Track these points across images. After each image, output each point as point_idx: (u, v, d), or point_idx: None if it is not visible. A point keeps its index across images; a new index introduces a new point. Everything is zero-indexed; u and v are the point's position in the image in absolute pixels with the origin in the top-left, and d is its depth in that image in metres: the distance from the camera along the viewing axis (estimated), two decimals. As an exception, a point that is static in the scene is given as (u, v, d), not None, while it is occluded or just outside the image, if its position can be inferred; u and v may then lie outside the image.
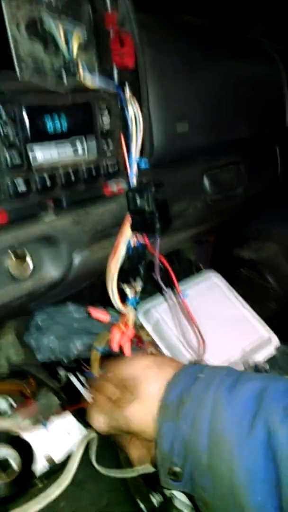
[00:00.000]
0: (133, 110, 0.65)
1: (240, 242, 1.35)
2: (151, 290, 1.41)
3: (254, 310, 1.25)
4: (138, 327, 1.20)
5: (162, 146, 0.71)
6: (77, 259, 0.66)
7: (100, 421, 0.61)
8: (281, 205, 1.13)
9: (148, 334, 1.18)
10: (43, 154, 0.55)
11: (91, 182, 0.61)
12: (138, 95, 0.66)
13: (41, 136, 0.54)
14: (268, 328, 1.22)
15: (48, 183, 0.55)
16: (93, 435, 0.76)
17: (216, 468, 0.46)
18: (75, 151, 0.58)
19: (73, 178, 0.58)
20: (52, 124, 0.55)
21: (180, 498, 0.72)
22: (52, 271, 0.63)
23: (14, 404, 0.89)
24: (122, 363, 0.64)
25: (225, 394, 0.48)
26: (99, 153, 0.61)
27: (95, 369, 0.81)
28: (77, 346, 1.04)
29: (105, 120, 0.61)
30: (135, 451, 0.63)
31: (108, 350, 0.92)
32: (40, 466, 0.78)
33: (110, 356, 0.97)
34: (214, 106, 0.83)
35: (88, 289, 0.89)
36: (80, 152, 0.59)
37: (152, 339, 1.16)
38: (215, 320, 1.18)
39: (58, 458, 0.79)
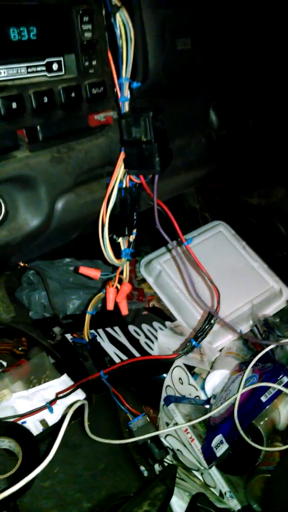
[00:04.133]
0: (121, 18, 0.53)
1: (248, 188, 1.24)
2: (155, 242, 1.33)
3: (264, 260, 1.17)
4: (139, 280, 1.13)
5: (159, 66, 0.59)
6: (60, 204, 0.57)
7: None
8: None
9: (150, 287, 1.10)
10: (6, 69, 0.44)
11: (71, 107, 0.51)
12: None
13: (2, 45, 0.43)
14: (278, 279, 1.14)
15: (15, 105, 0.44)
16: (82, 397, 0.70)
17: None
18: (49, 67, 0.47)
19: (46, 101, 0.47)
20: (16, 30, 0.44)
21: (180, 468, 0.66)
22: (30, 218, 0.54)
23: (5, 364, 0.83)
24: None
25: None
26: (79, 70, 0.50)
27: (86, 333, 0.74)
28: (73, 301, 0.97)
29: (86, 29, 0.49)
30: None
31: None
32: (34, 429, 0.73)
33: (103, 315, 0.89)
34: (222, 22, 0.70)
35: (82, 241, 0.80)
36: (55, 68, 0.48)
37: (154, 292, 1.09)
38: (222, 272, 1.10)
39: (52, 421, 0.74)
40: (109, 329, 0.93)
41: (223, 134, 0.77)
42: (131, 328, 0.98)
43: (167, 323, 1.03)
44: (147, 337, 0.97)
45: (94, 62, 0.51)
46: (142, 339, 0.96)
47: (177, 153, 0.70)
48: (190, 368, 0.91)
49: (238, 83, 0.79)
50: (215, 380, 0.89)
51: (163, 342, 0.96)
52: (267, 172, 1.20)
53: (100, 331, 0.91)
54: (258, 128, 0.84)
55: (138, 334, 0.97)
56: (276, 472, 0.63)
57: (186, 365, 0.90)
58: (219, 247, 1.17)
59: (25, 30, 0.44)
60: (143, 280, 1.12)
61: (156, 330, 1.00)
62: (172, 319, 1.04)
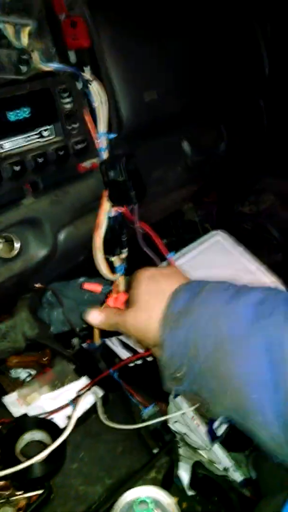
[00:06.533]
0: (95, 87, 0.68)
1: (240, 198, 1.37)
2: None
3: (261, 263, 1.27)
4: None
5: (131, 117, 0.74)
6: (62, 236, 0.71)
7: (95, 317, 0.62)
8: (269, 156, 1.13)
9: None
10: (9, 142, 0.59)
11: (62, 162, 0.65)
12: (98, 72, 0.69)
13: (4, 126, 0.58)
14: (275, 279, 1.24)
15: (18, 169, 0.59)
16: (100, 394, 0.83)
17: (215, 370, 0.48)
18: (40, 135, 0.62)
19: (41, 161, 0.62)
20: (14, 113, 0.59)
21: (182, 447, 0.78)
22: (38, 250, 0.68)
23: (33, 373, 0.97)
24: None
25: (226, 301, 0.49)
26: (65, 134, 0.65)
27: (97, 338, 0.88)
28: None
29: (67, 102, 0.65)
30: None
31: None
32: (61, 423, 0.87)
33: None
34: (182, 70, 0.84)
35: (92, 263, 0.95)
36: (46, 135, 0.63)
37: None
38: (222, 277, 1.21)
39: (76, 415, 0.88)
40: (121, 337, 1.06)
41: (198, 161, 0.91)
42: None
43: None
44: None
45: (76, 125, 0.66)
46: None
47: (156, 182, 0.84)
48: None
49: (206, 117, 0.93)
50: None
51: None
52: (254, 183, 1.32)
53: (113, 339, 1.04)
54: (230, 151, 0.98)
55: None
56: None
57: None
58: (218, 255, 1.28)
59: (21, 111, 0.59)
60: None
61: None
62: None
